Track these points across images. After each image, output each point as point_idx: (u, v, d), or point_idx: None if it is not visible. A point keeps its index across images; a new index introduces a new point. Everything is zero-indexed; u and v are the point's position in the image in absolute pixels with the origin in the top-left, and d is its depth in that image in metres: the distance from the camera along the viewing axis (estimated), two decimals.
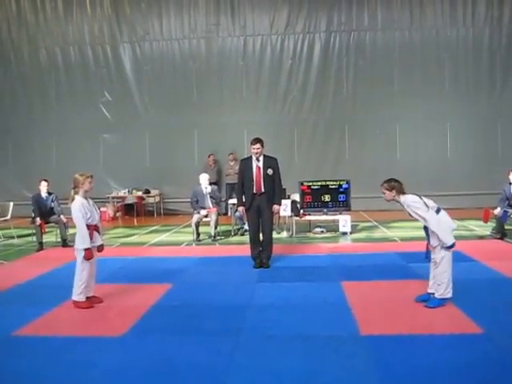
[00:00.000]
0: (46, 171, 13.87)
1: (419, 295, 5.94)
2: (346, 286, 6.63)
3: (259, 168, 7.99)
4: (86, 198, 6.15)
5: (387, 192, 5.80)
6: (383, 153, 15.64)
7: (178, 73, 16.29)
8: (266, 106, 16.11)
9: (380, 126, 15.73)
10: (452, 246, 5.63)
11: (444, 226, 5.66)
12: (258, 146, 7.95)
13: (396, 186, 5.80)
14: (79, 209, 6.00)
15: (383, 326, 5.17)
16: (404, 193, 5.78)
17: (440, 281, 5.65)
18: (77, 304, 6.09)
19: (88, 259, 5.98)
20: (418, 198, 5.72)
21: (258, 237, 8.17)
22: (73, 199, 6.12)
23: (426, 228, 5.77)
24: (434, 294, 5.76)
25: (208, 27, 16.19)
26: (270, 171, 7.97)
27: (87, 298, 6.17)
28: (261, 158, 8.02)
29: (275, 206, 8.07)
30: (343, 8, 15.82)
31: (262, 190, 7.97)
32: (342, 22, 15.86)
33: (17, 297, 6.76)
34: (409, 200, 5.70)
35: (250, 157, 8.15)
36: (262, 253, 8.13)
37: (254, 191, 7.97)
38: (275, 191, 8.06)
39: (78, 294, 6.09)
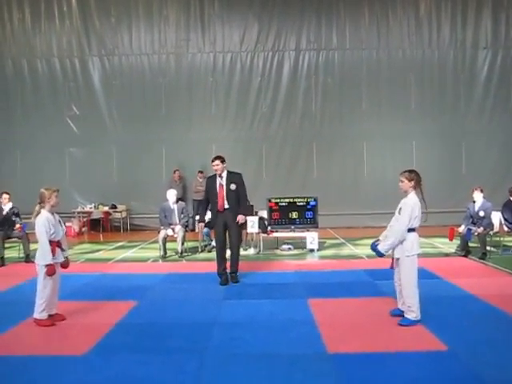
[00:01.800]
0: (10, 184, 13.54)
1: (393, 309, 6.01)
2: (313, 304, 6.62)
3: (222, 185, 8.04)
4: (52, 213, 6.03)
5: (406, 181, 5.77)
6: (351, 170, 15.82)
7: (147, 88, 16.20)
8: (235, 122, 16.13)
9: (347, 143, 15.90)
10: (380, 255, 5.76)
11: (399, 237, 5.67)
12: (216, 162, 8.03)
13: (416, 179, 5.78)
14: (43, 224, 5.88)
15: (350, 343, 5.17)
16: (416, 190, 5.78)
17: (409, 303, 5.69)
18: (38, 322, 5.93)
19: (50, 275, 5.84)
20: (419, 205, 5.71)
21: (224, 253, 8.14)
22: (38, 213, 5.99)
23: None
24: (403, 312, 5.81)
25: (178, 42, 16.18)
26: (232, 186, 8.02)
27: (50, 315, 6.02)
28: (224, 175, 8.08)
29: (239, 216, 8.02)
30: (312, 27, 16.02)
31: (226, 206, 8.01)
32: (311, 41, 16.06)
33: None
34: (414, 200, 5.70)
35: (215, 175, 8.16)
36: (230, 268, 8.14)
37: (218, 208, 8.03)
38: (240, 204, 8.08)
39: (39, 312, 5.94)
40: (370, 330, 5.62)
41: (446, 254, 10.69)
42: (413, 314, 5.69)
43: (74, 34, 16.24)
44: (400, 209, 5.75)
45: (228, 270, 8.14)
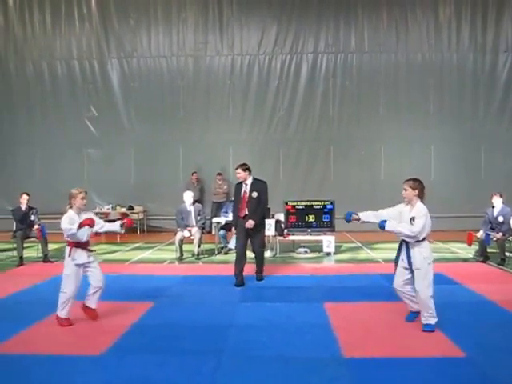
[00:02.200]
0: (29, 185, 13.72)
1: (408, 315, 5.98)
2: (329, 308, 6.60)
3: (245, 192, 8.31)
4: (78, 214, 6.06)
5: (410, 190, 5.69)
6: (368, 174, 15.74)
7: (165, 90, 16.29)
8: (252, 125, 16.15)
9: (365, 147, 15.83)
10: (382, 226, 5.71)
11: (407, 235, 5.60)
12: (238, 170, 8.33)
13: (420, 187, 5.71)
14: (64, 221, 5.94)
15: (366, 348, 5.13)
16: (422, 199, 5.71)
17: (431, 309, 5.62)
18: (57, 320, 5.98)
19: (87, 224, 5.94)
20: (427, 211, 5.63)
21: (243, 257, 8.25)
22: (66, 211, 6.08)
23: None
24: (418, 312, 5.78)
25: (196, 45, 16.25)
26: (254, 194, 8.24)
27: (87, 308, 6.13)
28: (248, 182, 8.34)
29: (248, 222, 8.15)
30: (331, 30, 15.99)
31: (246, 212, 8.22)
32: (329, 44, 16.02)
33: None
34: (422, 207, 5.63)
35: (242, 181, 8.44)
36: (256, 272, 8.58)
37: (239, 214, 8.30)
38: (257, 210, 8.24)
39: (59, 310, 5.99)
40: (386, 334, 5.59)
41: (465, 260, 10.59)
42: (435, 318, 5.62)
43: (94, 36, 16.39)
44: (413, 218, 5.62)
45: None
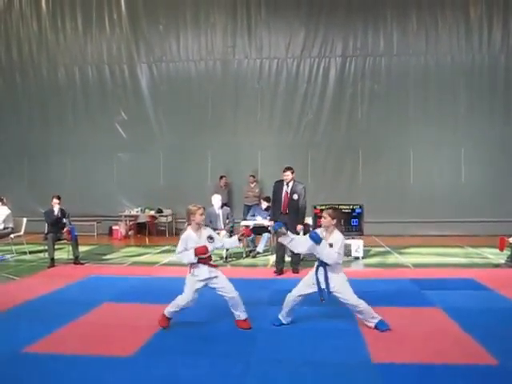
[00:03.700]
0: (60, 188, 13.96)
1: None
2: None
3: (287, 193, 9.41)
4: (198, 229, 5.99)
5: (328, 218, 5.94)
6: (397, 178, 15.58)
7: (194, 94, 16.42)
8: (281, 128, 16.16)
9: (394, 150, 15.71)
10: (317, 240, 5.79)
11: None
12: (287, 173, 9.42)
13: (338, 216, 6.08)
14: (180, 243, 5.94)
15: (395, 353, 5.10)
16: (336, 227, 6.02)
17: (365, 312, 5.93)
18: (161, 318, 6.03)
19: (200, 253, 5.82)
20: None
21: (283, 252, 9.45)
22: (185, 230, 6.06)
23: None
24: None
25: (225, 49, 16.34)
26: (295, 196, 9.35)
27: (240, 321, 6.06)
28: (290, 184, 9.42)
29: (298, 226, 9.22)
30: (359, 33, 15.91)
31: (287, 211, 9.36)
32: (358, 47, 15.94)
33: (27, 313, 6.76)
34: (340, 237, 5.93)
35: (282, 180, 9.51)
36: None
37: (281, 211, 9.39)
38: (298, 213, 9.38)
39: (168, 308, 6.02)
40: (415, 340, 5.53)
41: (496, 265, 10.40)
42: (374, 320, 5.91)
43: (124, 41, 16.63)
44: (331, 244, 5.86)
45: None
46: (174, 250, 12.53)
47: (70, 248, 10.83)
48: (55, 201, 10.92)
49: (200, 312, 6.72)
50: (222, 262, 10.90)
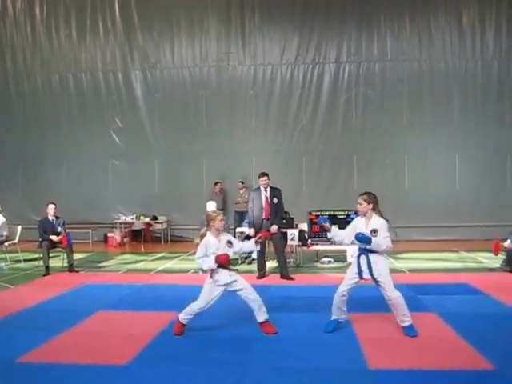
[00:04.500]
0: (56, 195, 13.90)
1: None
2: (354, 318, 6.54)
3: (267, 197, 9.62)
4: (218, 235, 6.04)
5: (364, 204, 5.89)
6: (392, 183, 15.60)
7: (189, 100, 16.42)
8: (275, 134, 16.17)
9: (389, 156, 15.74)
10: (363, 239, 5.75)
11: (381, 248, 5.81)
12: (265, 178, 9.68)
13: (374, 201, 5.95)
14: (200, 249, 5.97)
15: (392, 360, 5.09)
16: (375, 211, 5.91)
17: (406, 311, 5.92)
18: (176, 324, 6.06)
19: (222, 261, 5.87)
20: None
21: (263, 255, 9.76)
22: (203, 235, 6.08)
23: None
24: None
25: (219, 56, 16.36)
26: (275, 200, 9.61)
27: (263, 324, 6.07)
28: (268, 189, 9.67)
29: (273, 226, 9.44)
30: (353, 39, 15.97)
31: (269, 216, 9.55)
32: (352, 53, 15.99)
33: (22, 322, 6.73)
34: (383, 221, 5.85)
35: (259, 187, 9.74)
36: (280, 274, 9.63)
37: (264, 217, 9.56)
38: (277, 215, 9.62)
39: (183, 314, 6.05)
40: (412, 346, 5.53)
41: (491, 269, 10.43)
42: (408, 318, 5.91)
43: (118, 48, 16.64)
44: (374, 229, 5.80)
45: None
46: (169, 257, 12.62)
47: (65, 256, 10.79)
48: (50, 207, 10.86)
49: (196, 319, 6.70)
50: None
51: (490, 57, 15.63)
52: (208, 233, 6.05)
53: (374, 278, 5.85)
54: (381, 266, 5.84)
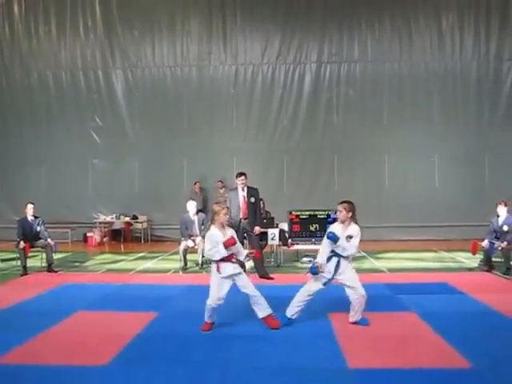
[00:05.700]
0: (35, 195, 13.78)
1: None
2: (334, 318, 6.58)
3: (244, 197, 9.57)
4: (222, 228, 6.11)
5: (344, 212, 6.17)
6: (372, 182, 15.73)
7: (170, 100, 16.36)
8: (256, 134, 16.19)
9: (369, 156, 15.85)
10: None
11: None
12: (242, 178, 9.62)
13: (353, 209, 6.24)
14: (207, 242, 6.06)
15: (371, 359, 5.11)
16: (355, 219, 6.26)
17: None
18: (204, 323, 6.15)
19: (229, 245, 5.95)
20: None
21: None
22: (208, 229, 6.21)
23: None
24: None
25: (200, 55, 16.33)
26: (252, 199, 9.57)
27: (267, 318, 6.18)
28: (245, 189, 9.61)
29: (256, 228, 9.55)
30: (334, 40, 16.05)
31: (246, 215, 9.50)
32: (333, 54, 16.08)
33: None
34: (358, 228, 6.19)
35: (236, 187, 9.68)
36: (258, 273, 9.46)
37: (241, 216, 9.47)
38: (256, 216, 9.62)
39: (206, 315, 6.12)
40: (390, 345, 5.56)
41: (469, 269, 10.54)
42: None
43: (98, 46, 16.52)
44: (350, 236, 6.15)
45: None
46: (149, 257, 12.55)
47: (44, 255, 10.66)
48: (29, 207, 10.72)
49: (176, 319, 6.68)
50: (197, 268, 10.85)
51: (469, 59, 15.84)
52: (212, 226, 6.16)
53: (333, 278, 6.22)
54: (345, 267, 6.21)
